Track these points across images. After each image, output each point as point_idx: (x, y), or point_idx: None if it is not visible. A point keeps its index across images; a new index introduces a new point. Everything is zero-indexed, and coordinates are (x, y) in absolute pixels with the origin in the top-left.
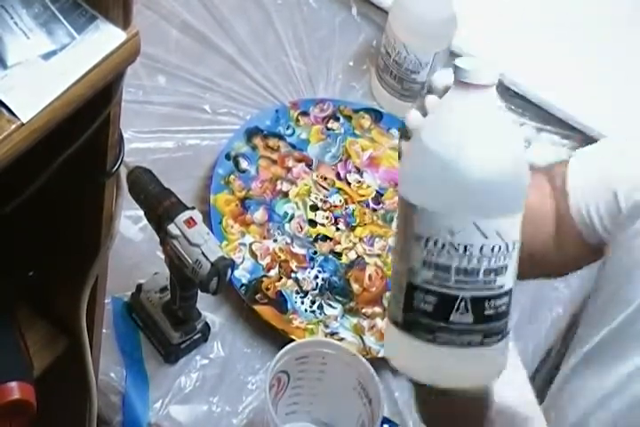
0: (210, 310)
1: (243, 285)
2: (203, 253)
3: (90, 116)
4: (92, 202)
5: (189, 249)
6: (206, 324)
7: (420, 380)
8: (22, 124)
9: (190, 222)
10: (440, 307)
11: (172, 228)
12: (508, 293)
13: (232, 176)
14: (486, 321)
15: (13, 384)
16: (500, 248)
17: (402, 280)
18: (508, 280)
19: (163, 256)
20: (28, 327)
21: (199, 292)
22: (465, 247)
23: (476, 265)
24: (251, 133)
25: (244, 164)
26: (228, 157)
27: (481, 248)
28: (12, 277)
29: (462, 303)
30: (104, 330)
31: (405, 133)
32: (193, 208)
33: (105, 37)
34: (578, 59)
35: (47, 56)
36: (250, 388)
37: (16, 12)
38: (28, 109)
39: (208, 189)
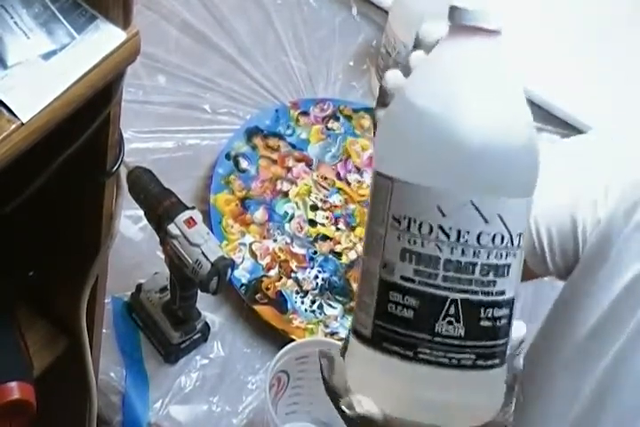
0: (210, 309)
1: (243, 284)
2: (203, 252)
3: (90, 116)
4: (92, 202)
5: (189, 249)
6: (206, 324)
7: (394, 413)
8: (22, 124)
9: (190, 222)
10: (423, 313)
11: (172, 228)
12: (510, 303)
13: (232, 176)
14: (481, 335)
15: (13, 384)
16: (502, 239)
17: (372, 280)
18: (509, 286)
19: (163, 256)
20: (27, 327)
21: (199, 292)
22: (458, 233)
23: (471, 258)
24: (251, 133)
25: (244, 163)
26: (228, 156)
27: (479, 236)
28: (12, 276)
29: (452, 308)
30: (104, 330)
31: (382, 99)
32: (193, 208)
33: (105, 37)
34: (578, 58)
35: (47, 56)
36: (250, 388)
37: (16, 11)
38: (27, 109)
39: (208, 188)
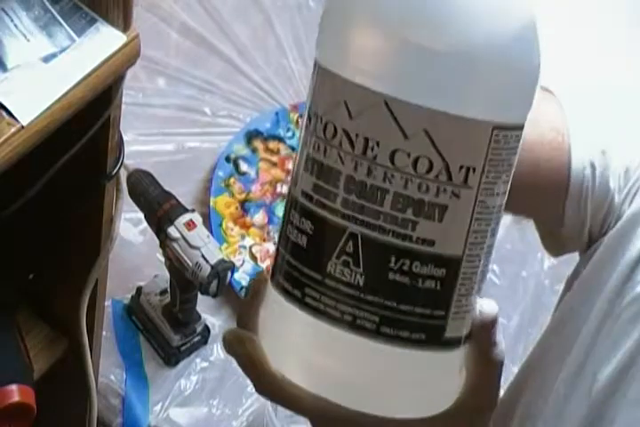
0: (210, 312)
1: (242, 287)
2: (203, 255)
3: (90, 119)
4: (93, 204)
5: (189, 252)
6: (206, 326)
7: (293, 378)
8: (22, 127)
9: (190, 225)
10: (316, 243)
11: (172, 230)
12: (449, 264)
13: (232, 179)
14: (389, 293)
15: (13, 387)
16: (430, 167)
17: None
18: (445, 238)
19: (163, 259)
20: (28, 330)
21: (199, 294)
22: (365, 143)
23: (380, 182)
24: (251, 136)
25: (244, 166)
26: (228, 159)
27: (393, 154)
28: (13, 279)
29: (350, 244)
30: (104, 333)
31: None
32: (193, 211)
33: (105, 40)
34: (578, 60)
35: (47, 59)
36: (250, 391)
37: (16, 14)
38: (28, 112)
39: (208, 191)
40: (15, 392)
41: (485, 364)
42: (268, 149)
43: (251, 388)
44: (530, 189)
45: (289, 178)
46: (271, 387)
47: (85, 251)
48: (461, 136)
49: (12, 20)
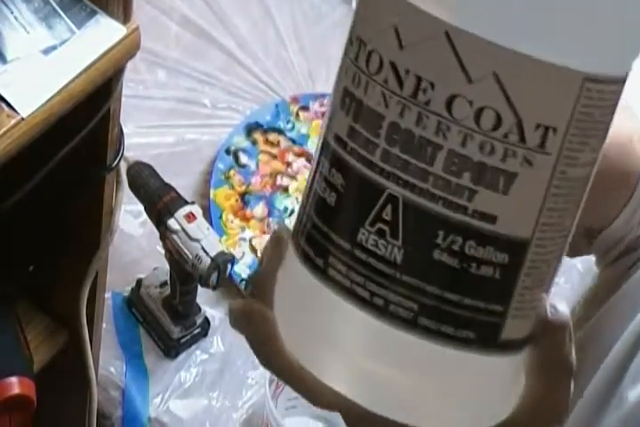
0: (210, 304)
1: (243, 279)
2: (203, 247)
3: (90, 111)
4: (93, 197)
5: (189, 244)
6: (206, 319)
7: (316, 375)
8: (22, 119)
9: (190, 217)
10: (346, 203)
11: (172, 222)
12: (512, 247)
13: (232, 171)
14: (431, 275)
15: (13, 379)
16: (498, 122)
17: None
18: (511, 214)
19: (163, 251)
20: (28, 322)
21: (199, 287)
22: (417, 83)
23: (431, 135)
24: (251, 128)
25: (244, 158)
26: (228, 151)
27: (450, 100)
28: (13, 271)
29: (387, 210)
30: (104, 325)
31: None
32: (193, 203)
33: (105, 32)
34: None
35: (47, 51)
36: (250, 383)
37: (16, 6)
38: (27, 104)
39: (208, 183)
40: (15, 384)
41: (554, 374)
42: (267, 142)
43: (251, 380)
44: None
45: (289, 170)
46: (282, 370)
47: (85, 243)
48: (542, 86)
49: (11, 12)
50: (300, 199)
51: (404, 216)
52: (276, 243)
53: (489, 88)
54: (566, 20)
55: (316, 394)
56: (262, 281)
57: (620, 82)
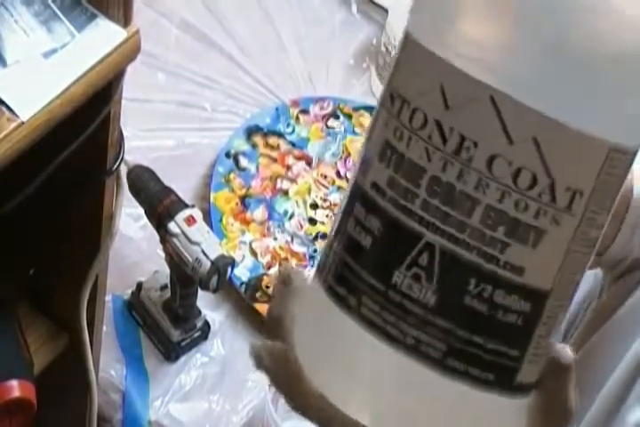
0: (210, 308)
1: (243, 283)
2: (203, 251)
3: (90, 115)
4: (93, 200)
5: (189, 247)
6: (206, 322)
7: (343, 409)
8: (22, 123)
9: (190, 220)
10: (383, 247)
11: (172, 226)
12: (535, 296)
13: (232, 174)
14: (462, 319)
15: (14, 382)
16: (534, 181)
17: (349, 186)
18: (536, 267)
19: (163, 254)
20: (28, 325)
21: (199, 290)
22: (461, 142)
23: (471, 190)
24: (251, 131)
25: (244, 162)
26: (228, 155)
27: (491, 160)
28: (13, 274)
29: (424, 256)
30: (104, 328)
31: None
32: (193, 206)
33: (105, 35)
34: None
35: (47, 54)
36: (250, 386)
37: (16, 9)
38: (28, 108)
39: (208, 187)
40: (15, 388)
41: (554, 420)
42: (267, 145)
43: (251, 383)
44: None
45: (289, 173)
46: (308, 408)
47: (86, 246)
48: (574, 153)
49: (12, 16)
50: (299, 202)
51: (440, 263)
52: (285, 282)
53: (528, 151)
54: (604, 95)
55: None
56: (278, 321)
57: (636, 152)
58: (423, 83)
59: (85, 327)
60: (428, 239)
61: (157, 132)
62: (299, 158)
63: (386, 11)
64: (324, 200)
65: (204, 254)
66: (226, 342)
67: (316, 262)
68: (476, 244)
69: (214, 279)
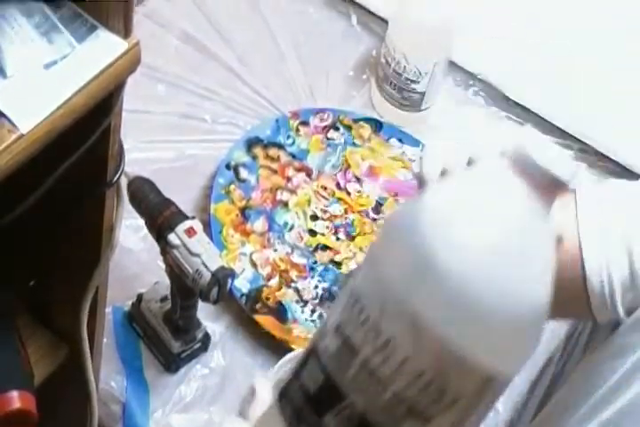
0: (210, 319)
1: (243, 294)
2: (203, 262)
3: (90, 126)
4: (93, 212)
5: (190, 259)
6: (207, 333)
7: None
8: (22, 135)
9: (190, 232)
10: (322, 394)
11: (172, 237)
12: None
13: (232, 186)
14: None
15: (14, 394)
16: (428, 384)
17: (315, 335)
18: None
19: (163, 266)
20: (28, 336)
21: (199, 301)
22: (387, 342)
23: (386, 375)
24: (251, 143)
25: (244, 173)
26: (228, 166)
27: (403, 362)
28: (13, 286)
29: (347, 411)
30: (105, 339)
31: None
32: (193, 218)
33: (106, 47)
34: (579, 69)
35: (48, 65)
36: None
37: (17, 21)
38: (28, 119)
39: (208, 198)
40: (16, 399)
41: None
42: (268, 157)
43: None
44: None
45: (289, 185)
46: None
47: (86, 258)
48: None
49: (12, 27)
50: (299, 213)
51: (360, 420)
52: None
53: (429, 377)
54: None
55: None
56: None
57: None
58: (372, 290)
59: (86, 339)
60: (351, 399)
61: (157, 144)
62: (299, 170)
63: (386, 22)
64: (324, 211)
65: (205, 266)
66: (226, 353)
67: (279, 390)
68: (386, 410)
69: (214, 291)
